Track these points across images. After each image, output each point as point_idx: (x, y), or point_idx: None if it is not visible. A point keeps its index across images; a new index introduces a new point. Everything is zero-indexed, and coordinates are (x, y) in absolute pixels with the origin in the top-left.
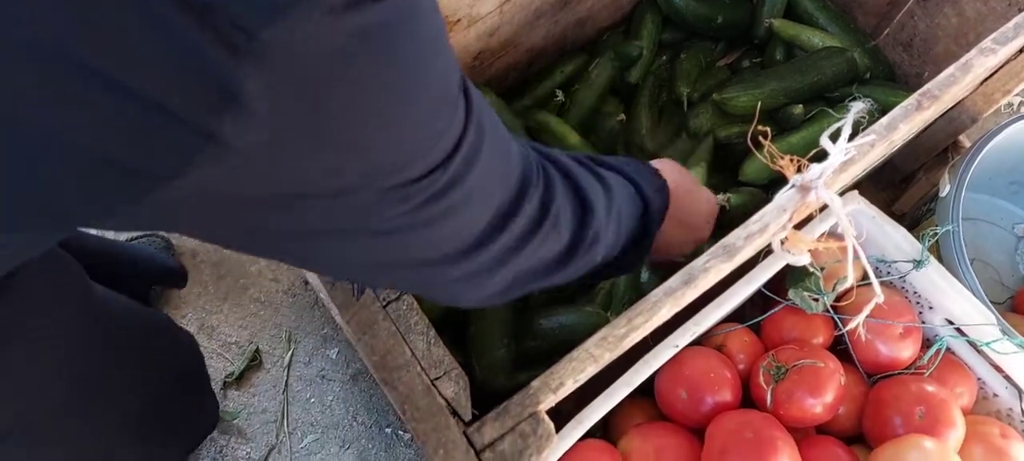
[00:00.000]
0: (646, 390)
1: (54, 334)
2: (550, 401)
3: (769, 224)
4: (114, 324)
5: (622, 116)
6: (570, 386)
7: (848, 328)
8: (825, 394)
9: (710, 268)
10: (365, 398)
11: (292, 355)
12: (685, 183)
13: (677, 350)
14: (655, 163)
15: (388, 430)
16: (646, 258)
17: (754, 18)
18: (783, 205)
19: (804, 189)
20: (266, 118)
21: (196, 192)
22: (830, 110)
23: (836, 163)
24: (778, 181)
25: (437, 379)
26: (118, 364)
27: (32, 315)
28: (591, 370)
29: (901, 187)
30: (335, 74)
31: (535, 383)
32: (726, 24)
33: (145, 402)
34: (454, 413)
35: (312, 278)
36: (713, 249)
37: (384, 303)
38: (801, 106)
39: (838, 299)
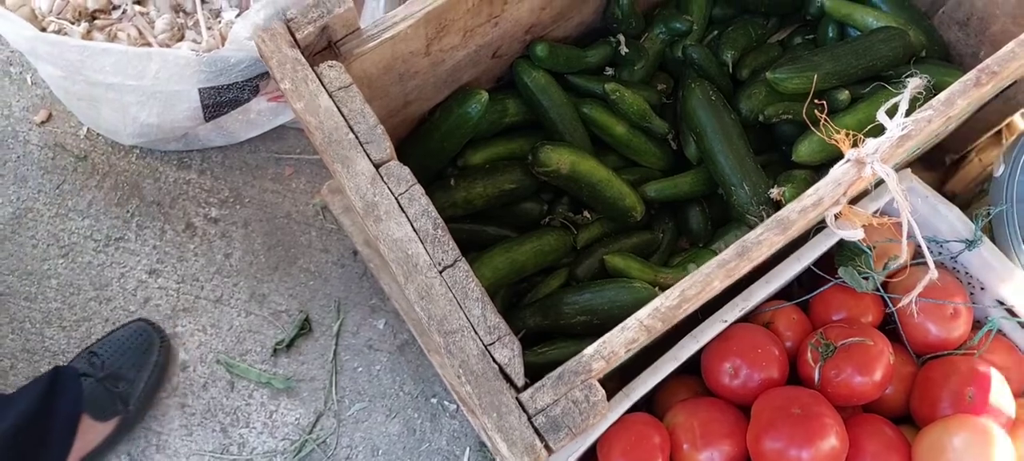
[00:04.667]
0: (691, 368)
1: None
2: (601, 368)
3: (824, 198)
4: None
5: (662, 86)
6: (622, 355)
7: (900, 305)
8: (874, 372)
9: (763, 241)
10: (412, 368)
11: (341, 324)
12: None
13: (725, 325)
14: None
15: (433, 400)
16: None
17: None
18: (838, 179)
19: (859, 163)
20: None
21: None
22: (887, 86)
23: (893, 137)
24: (831, 163)
25: (491, 344)
26: None
27: None
28: (643, 340)
29: (952, 168)
30: None
31: (588, 350)
32: (777, 1)
33: None
34: (507, 378)
35: (361, 249)
36: (767, 222)
37: (441, 268)
38: (847, 92)
39: (888, 278)
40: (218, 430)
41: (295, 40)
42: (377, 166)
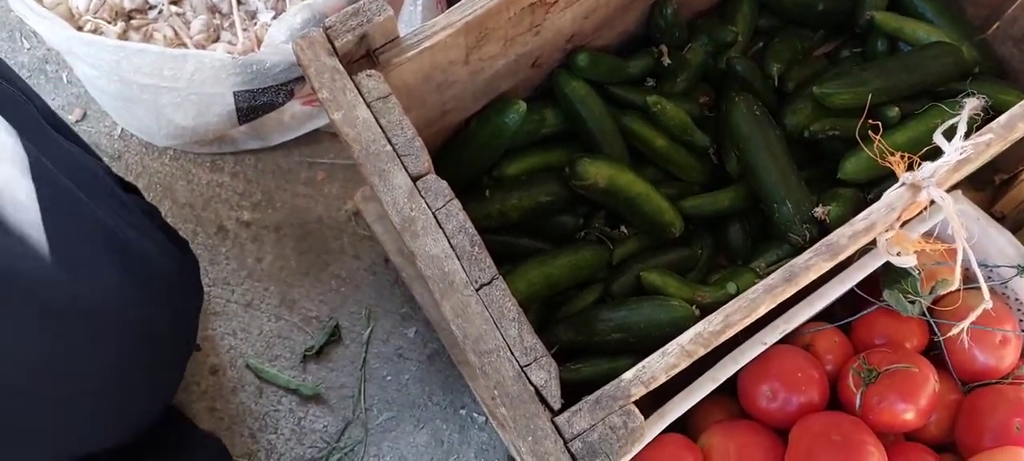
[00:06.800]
0: (726, 387)
1: None
2: (640, 394)
3: (876, 223)
4: None
5: (704, 98)
6: (662, 379)
7: (950, 334)
8: (918, 400)
9: (812, 266)
10: (441, 378)
11: (371, 332)
12: None
13: (765, 348)
14: None
15: (462, 412)
16: None
17: (856, 6)
18: (892, 203)
19: (915, 187)
20: None
21: None
22: (941, 105)
23: (951, 162)
24: (878, 181)
25: (527, 366)
26: None
27: None
28: (684, 365)
29: (1002, 188)
30: None
31: (627, 375)
32: (827, 11)
33: None
34: (543, 401)
35: (394, 257)
36: (816, 247)
37: (477, 287)
38: (897, 109)
39: (935, 302)
40: (247, 435)
41: (334, 48)
42: (415, 179)
